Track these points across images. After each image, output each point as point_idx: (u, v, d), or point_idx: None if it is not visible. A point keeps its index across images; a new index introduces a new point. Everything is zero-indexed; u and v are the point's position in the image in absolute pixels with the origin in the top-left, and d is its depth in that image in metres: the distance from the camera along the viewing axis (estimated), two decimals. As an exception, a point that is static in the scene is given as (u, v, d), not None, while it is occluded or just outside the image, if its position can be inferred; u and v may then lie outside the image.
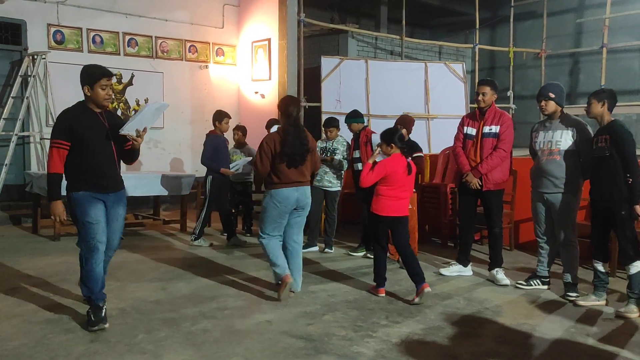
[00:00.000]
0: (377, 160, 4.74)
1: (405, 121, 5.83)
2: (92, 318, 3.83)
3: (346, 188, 7.14)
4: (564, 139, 4.67)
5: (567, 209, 4.69)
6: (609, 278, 4.55)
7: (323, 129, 6.80)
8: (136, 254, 6.20)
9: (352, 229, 7.52)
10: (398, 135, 4.73)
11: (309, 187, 4.72)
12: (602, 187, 4.38)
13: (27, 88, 8.24)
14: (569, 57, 12.94)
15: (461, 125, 5.33)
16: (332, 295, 4.71)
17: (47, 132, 8.46)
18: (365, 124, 6.37)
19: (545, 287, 4.95)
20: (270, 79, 9.87)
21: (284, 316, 4.17)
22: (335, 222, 6.58)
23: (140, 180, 7.14)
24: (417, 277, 4.59)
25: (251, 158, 6.51)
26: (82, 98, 3.89)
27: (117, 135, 3.88)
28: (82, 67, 3.92)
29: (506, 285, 5.05)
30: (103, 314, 3.86)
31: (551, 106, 4.73)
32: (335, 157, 6.35)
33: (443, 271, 5.43)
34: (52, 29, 8.59)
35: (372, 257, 6.08)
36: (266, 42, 9.91)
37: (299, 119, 4.67)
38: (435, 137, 9.94)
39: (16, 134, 8.08)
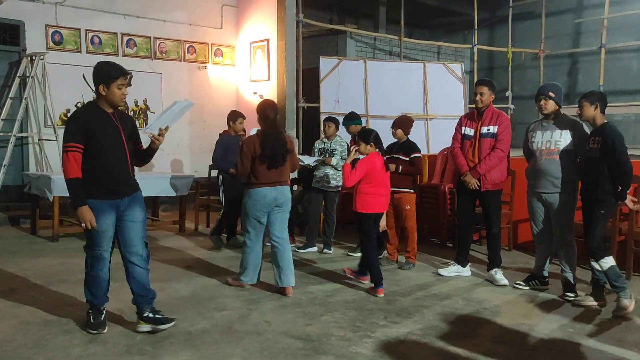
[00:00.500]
0: (358, 159, 5.00)
1: (403, 122, 5.82)
2: (92, 320, 3.79)
3: (345, 189, 7.13)
4: (564, 138, 4.68)
5: (565, 208, 4.69)
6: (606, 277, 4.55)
7: (322, 123, 6.82)
8: (135, 254, 6.19)
9: (351, 229, 7.52)
10: (374, 135, 5.00)
11: (288, 186, 4.87)
12: (589, 186, 4.46)
13: (25, 89, 8.24)
14: (568, 58, 12.95)
15: (459, 125, 5.33)
16: (330, 296, 4.71)
17: (46, 132, 8.47)
18: (363, 126, 6.35)
19: (544, 287, 4.95)
20: (269, 79, 9.87)
21: (283, 317, 4.18)
22: (334, 222, 6.58)
23: (138, 181, 7.12)
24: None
25: None
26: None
27: (130, 135, 3.76)
28: (96, 65, 3.76)
29: (505, 286, 5.06)
30: (102, 318, 3.82)
31: (551, 105, 4.74)
32: (333, 157, 6.35)
33: (442, 271, 5.44)
34: (51, 30, 8.59)
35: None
36: (265, 43, 9.91)
37: (277, 122, 4.83)
38: (434, 137, 9.94)
39: (14, 135, 8.08)
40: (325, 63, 9.93)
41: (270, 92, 9.84)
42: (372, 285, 4.85)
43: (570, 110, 9.65)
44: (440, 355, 3.52)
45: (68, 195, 3.68)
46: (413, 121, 5.94)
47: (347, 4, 13.24)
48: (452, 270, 5.42)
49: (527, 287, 4.95)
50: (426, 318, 4.18)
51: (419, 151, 5.73)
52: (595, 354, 3.58)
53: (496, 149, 5.07)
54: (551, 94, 4.74)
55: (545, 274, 4.97)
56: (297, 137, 9.65)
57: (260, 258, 4.92)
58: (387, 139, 5.64)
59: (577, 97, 13.76)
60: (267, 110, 4.77)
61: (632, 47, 11.58)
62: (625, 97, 11.22)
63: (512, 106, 12.14)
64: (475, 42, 12.25)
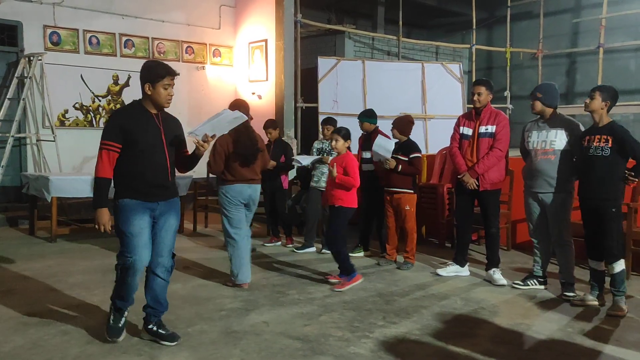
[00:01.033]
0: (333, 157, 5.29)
1: (401, 122, 5.81)
2: (111, 322, 3.61)
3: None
4: (559, 138, 4.68)
5: (561, 208, 4.69)
6: (605, 277, 4.54)
7: (321, 126, 6.79)
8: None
9: (349, 229, 7.50)
10: (349, 132, 5.23)
11: (260, 184, 5.06)
12: (594, 186, 4.37)
13: (23, 89, 8.23)
14: (566, 57, 12.97)
15: (457, 125, 5.33)
16: (328, 296, 4.71)
17: (44, 133, 8.45)
18: (377, 126, 6.29)
19: (542, 286, 4.95)
20: (267, 79, 9.87)
21: (281, 317, 4.17)
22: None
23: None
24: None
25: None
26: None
27: (173, 139, 3.59)
28: (144, 64, 3.58)
29: (503, 286, 5.05)
30: (122, 324, 3.62)
31: (537, 106, 4.76)
32: (331, 157, 6.34)
33: (440, 271, 5.43)
34: (49, 30, 8.58)
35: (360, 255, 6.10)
36: (263, 43, 9.91)
37: (249, 122, 4.92)
38: (433, 137, 9.94)
39: (12, 136, 8.07)
40: (324, 63, 9.93)
41: (268, 92, 9.84)
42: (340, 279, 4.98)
43: (568, 110, 9.64)
44: (438, 355, 3.51)
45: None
46: (412, 121, 5.91)
47: (345, 4, 13.25)
48: (451, 270, 5.41)
49: (526, 287, 4.94)
50: (424, 318, 4.18)
51: (419, 151, 5.71)
52: (594, 353, 3.57)
53: (494, 149, 5.07)
54: (538, 94, 4.76)
55: (544, 273, 4.96)
56: (296, 137, 9.65)
57: (249, 252, 5.00)
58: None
59: (576, 97, 13.80)
60: (239, 109, 4.75)
61: (630, 46, 11.60)
62: (624, 96, 11.12)
63: (510, 106, 12.16)
64: (474, 42, 12.27)
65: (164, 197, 3.58)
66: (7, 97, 8.16)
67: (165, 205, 3.59)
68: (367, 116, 6.24)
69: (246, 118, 4.28)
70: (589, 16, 12.21)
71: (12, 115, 8.14)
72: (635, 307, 4.41)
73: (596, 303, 4.48)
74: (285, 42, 9.54)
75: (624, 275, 4.34)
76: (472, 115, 5.24)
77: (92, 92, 8.92)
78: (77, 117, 8.81)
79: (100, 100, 9.03)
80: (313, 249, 6.49)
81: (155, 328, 3.66)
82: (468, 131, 5.21)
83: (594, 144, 4.36)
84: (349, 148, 5.22)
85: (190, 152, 3.75)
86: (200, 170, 6.87)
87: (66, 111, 8.70)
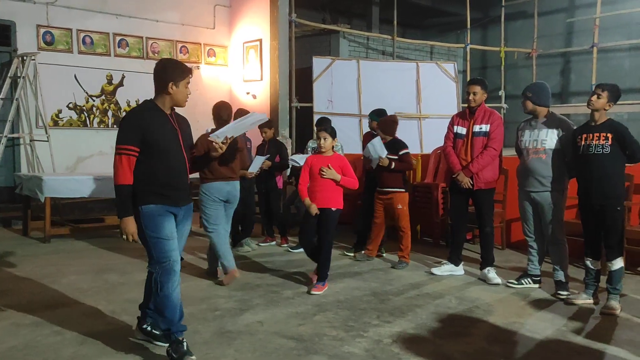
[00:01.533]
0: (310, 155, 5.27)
1: (385, 123, 5.88)
2: (175, 356, 3.28)
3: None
4: (550, 138, 4.68)
5: (554, 207, 4.69)
6: (600, 276, 4.55)
7: (315, 128, 6.79)
8: (125, 255, 6.17)
9: (345, 229, 7.50)
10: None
11: (238, 182, 5.21)
12: (595, 184, 4.33)
13: (16, 89, 8.19)
14: (560, 57, 13.00)
15: (451, 124, 5.33)
16: (323, 296, 4.70)
17: (37, 133, 8.42)
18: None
19: (537, 285, 4.96)
20: (261, 79, 9.86)
21: (275, 317, 4.16)
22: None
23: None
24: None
25: (267, 156, 6.47)
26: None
27: (186, 139, 3.48)
28: (160, 63, 3.46)
29: (497, 284, 5.06)
30: (185, 348, 3.31)
31: (528, 105, 4.78)
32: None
33: (435, 270, 5.43)
34: (42, 30, 8.54)
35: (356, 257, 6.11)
36: (257, 43, 9.90)
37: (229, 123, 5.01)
38: (427, 136, 9.95)
39: (6, 136, 8.04)
40: (318, 63, 9.93)
41: (263, 92, 9.83)
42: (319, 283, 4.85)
43: (562, 109, 9.66)
44: (433, 355, 3.51)
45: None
46: (396, 121, 5.96)
47: (340, 4, 13.25)
48: (445, 269, 5.42)
49: (520, 286, 4.95)
50: (419, 317, 4.18)
51: (406, 147, 5.76)
52: (588, 352, 3.58)
53: (489, 148, 5.08)
54: (528, 93, 4.78)
55: (538, 272, 4.97)
56: (290, 137, 9.64)
57: (228, 243, 5.16)
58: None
59: (570, 96, 13.78)
60: (221, 111, 5.17)
61: (623, 46, 11.64)
62: (617, 96, 11.25)
63: (505, 105, 12.18)
64: (468, 42, 12.28)
65: (184, 201, 3.46)
66: (0, 97, 8.12)
67: (185, 210, 3.49)
68: (379, 115, 6.26)
69: (267, 119, 4.39)
70: (583, 16, 12.25)
71: (5, 115, 8.10)
72: (628, 305, 4.42)
73: (590, 302, 4.49)
74: (280, 41, 9.53)
75: (622, 272, 4.35)
76: (466, 114, 5.25)
77: (86, 92, 8.88)
78: (70, 117, 8.77)
79: (94, 100, 9.00)
80: (308, 249, 6.47)
81: (149, 328, 3.63)
82: (462, 130, 5.22)
83: (594, 142, 4.32)
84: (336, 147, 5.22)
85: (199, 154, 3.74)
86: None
87: (60, 111, 8.67)
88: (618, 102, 4.60)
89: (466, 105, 5.32)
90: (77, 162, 8.79)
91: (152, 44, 9.64)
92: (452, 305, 4.49)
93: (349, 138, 8.91)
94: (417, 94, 10.41)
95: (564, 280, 4.73)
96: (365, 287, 4.95)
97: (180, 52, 10.01)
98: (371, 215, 6.01)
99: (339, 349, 3.56)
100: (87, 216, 7.98)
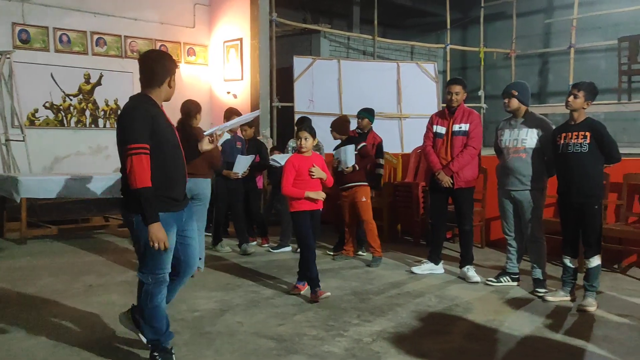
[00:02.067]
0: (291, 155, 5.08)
1: (338, 124, 6.08)
2: None
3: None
4: (530, 137, 4.73)
5: (534, 205, 4.74)
6: (577, 273, 4.60)
7: (295, 127, 6.78)
8: (104, 256, 6.09)
9: (327, 229, 7.49)
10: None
11: (203, 179, 5.17)
12: (575, 183, 4.37)
13: (-9, 88, 8.04)
14: (538, 57, 13.16)
15: (430, 124, 5.36)
16: (303, 295, 4.68)
17: (12, 133, 8.25)
18: (371, 126, 6.42)
19: (515, 283, 5.00)
20: (242, 79, 9.80)
21: (255, 317, 4.13)
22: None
23: (110, 181, 7.05)
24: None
25: (253, 156, 6.43)
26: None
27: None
28: (153, 54, 3.28)
29: (477, 283, 5.09)
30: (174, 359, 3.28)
31: (514, 103, 4.80)
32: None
33: (415, 269, 5.45)
34: (17, 28, 8.38)
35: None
36: (238, 42, 9.83)
37: (196, 120, 5.30)
38: (408, 136, 9.99)
39: (-20, 136, 7.88)
40: (299, 62, 9.91)
41: (243, 91, 9.77)
42: (312, 292, 4.58)
43: (541, 109, 9.75)
44: (412, 353, 3.51)
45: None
46: (348, 120, 6.15)
47: (320, 3, 13.23)
48: (425, 268, 5.44)
49: (499, 284, 4.98)
50: (399, 316, 4.18)
51: (364, 140, 5.94)
52: (565, 348, 3.61)
53: (468, 147, 5.11)
54: (514, 92, 4.80)
55: (517, 270, 5.01)
56: (272, 136, 9.60)
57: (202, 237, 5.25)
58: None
59: (548, 97, 13.91)
60: (191, 109, 5.32)
61: (600, 47, 11.80)
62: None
63: (484, 105, 12.28)
64: (448, 42, 12.36)
65: (186, 203, 3.32)
66: (-25, 96, 7.97)
67: (187, 211, 3.33)
68: (369, 113, 6.33)
69: (259, 113, 4.42)
70: (561, 17, 12.40)
71: (-21, 115, 7.95)
72: (605, 302, 4.47)
73: (567, 299, 4.54)
74: (260, 41, 9.47)
75: (599, 270, 4.40)
76: (445, 113, 5.27)
77: (63, 91, 8.74)
78: (47, 116, 8.62)
79: (71, 100, 8.86)
80: (289, 249, 6.47)
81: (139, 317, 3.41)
82: (441, 129, 5.24)
83: (572, 140, 4.36)
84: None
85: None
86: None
87: (36, 110, 8.52)
88: (594, 102, 4.64)
89: (445, 105, 5.35)
90: (54, 162, 8.64)
91: (130, 43, 9.52)
92: (432, 303, 4.51)
93: (330, 138, 8.91)
94: (398, 93, 10.45)
95: (542, 278, 4.77)
96: (345, 287, 4.95)
97: (160, 51, 9.90)
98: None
99: (319, 348, 3.55)
100: (65, 217, 7.85)
